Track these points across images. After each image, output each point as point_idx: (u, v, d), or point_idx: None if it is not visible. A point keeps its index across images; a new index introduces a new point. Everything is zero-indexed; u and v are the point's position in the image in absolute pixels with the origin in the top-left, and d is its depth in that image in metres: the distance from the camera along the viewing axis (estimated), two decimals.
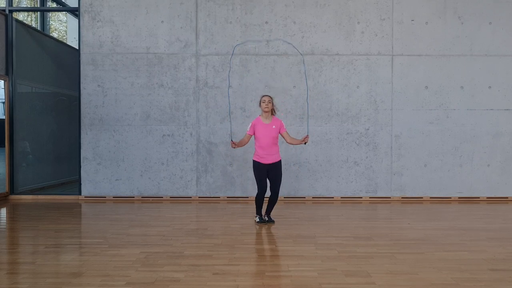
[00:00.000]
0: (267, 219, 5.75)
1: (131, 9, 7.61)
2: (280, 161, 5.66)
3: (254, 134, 5.62)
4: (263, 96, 5.68)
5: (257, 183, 5.61)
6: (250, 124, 5.66)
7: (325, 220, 6.00)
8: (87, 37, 7.63)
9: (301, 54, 7.20)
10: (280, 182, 5.65)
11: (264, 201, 5.74)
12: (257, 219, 5.72)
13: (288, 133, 5.72)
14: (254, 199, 5.74)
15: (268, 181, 5.64)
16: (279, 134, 5.65)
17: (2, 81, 8.02)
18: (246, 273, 3.73)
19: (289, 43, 7.11)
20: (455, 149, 7.65)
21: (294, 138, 5.81)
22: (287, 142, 5.71)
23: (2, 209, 6.92)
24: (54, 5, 11.26)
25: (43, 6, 10.65)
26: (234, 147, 5.58)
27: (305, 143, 5.61)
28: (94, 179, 7.64)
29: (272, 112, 5.66)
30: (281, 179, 5.66)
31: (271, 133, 5.56)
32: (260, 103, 5.64)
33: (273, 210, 5.89)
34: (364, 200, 7.62)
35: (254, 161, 5.66)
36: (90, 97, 7.63)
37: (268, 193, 5.69)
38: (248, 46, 7.54)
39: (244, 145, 5.72)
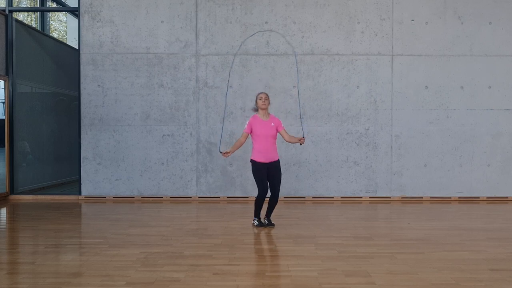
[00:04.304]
0: (266, 222, 5.55)
1: (131, 9, 7.61)
2: (279, 161, 5.49)
3: (251, 132, 5.41)
4: (260, 93, 5.47)
5: (257, 185, 5.39)
6: (247, 122, 5.46)
7: (325, 220, 6.01)
8: (87, 37, 7.63)
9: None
10: (279, 184, 5.47)
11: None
12: (256, 222, 5.52)
13: (286, 131, 5.54)
14: (254, 200, 5.49)
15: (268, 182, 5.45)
16: (278, 133, 5.47)
17: (2, 81, 8.02)
18: (246, 273, 3.72)
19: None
20: (455, 149, 7.65)
21: (292, 136, 5.59)
22: (286, 140, 5.51)
23: (2, 209, 6.92)
24: (54, 5, 11.26)
25: (43, 6, 10.65)
26: (228, 156, 5.36)
27: (300, 144, 5.42)
28: (94, 179, 7.64)
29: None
30: (280, 181, 5.49)
31: (271, 131, 5.38)
32: (256, 101, 5.43)
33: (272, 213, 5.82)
34: (364, 200, 7.62)
35: (252, 161, 5.42)
36: (90, 97, 7.63)
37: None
38: (248, 46, 7.54)
39: (241, 146, 5.48)
